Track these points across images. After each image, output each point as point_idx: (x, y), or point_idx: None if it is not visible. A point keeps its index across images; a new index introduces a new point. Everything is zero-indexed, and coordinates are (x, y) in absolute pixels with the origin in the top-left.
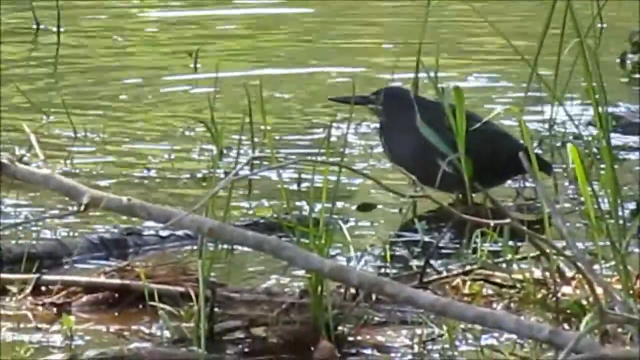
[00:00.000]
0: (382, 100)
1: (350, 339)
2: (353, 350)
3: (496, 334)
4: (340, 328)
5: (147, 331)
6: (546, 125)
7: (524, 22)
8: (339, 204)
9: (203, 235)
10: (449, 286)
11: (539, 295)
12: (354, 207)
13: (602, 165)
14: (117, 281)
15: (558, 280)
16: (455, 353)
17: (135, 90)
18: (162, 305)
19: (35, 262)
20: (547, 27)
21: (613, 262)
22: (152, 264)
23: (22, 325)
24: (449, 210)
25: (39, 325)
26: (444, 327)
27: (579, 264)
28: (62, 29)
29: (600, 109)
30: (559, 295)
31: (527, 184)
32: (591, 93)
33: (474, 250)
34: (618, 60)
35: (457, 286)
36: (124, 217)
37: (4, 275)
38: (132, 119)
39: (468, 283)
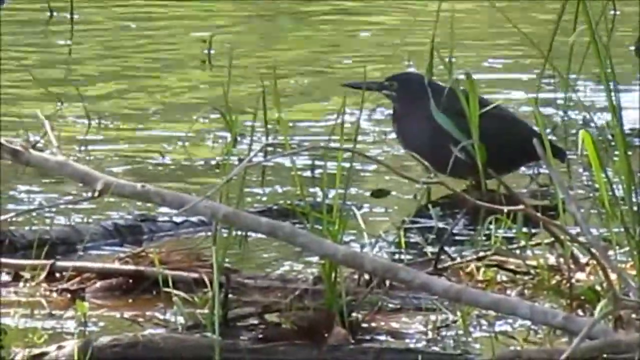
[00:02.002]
0: (396, 87)
1: (364, 325)
2: (367, 337)
3: (510, 320)
4: (354, 314)
5: (161, 317)
6: (560, 112)
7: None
8: (353, 190)
9: (217, 221)
10: (463, 272)
11: (553, 282)
12: (367, 194)
13: (616, 152)
14: (131, 267)
15: (572, 266)
16: (469, 339)
17: (148, 78)
18: (176, 292)
19: (49, 248)
20: (562, 14)
21: (627, 248)
22: (167, 250)
23: (35, 312)
24: (463, 197)
25: (53, 312)
26: (458, 314)
27: (593, 250)
28: (75, 16)
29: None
30: (573, 281)
31: (541, 171)
32: (603, 79)
33: (488, 237)
34: (632, 48)
35: (471, 272)
36: (138, 204)
37: (17, 261)
38: (146, 106)
39: (482, 269)
